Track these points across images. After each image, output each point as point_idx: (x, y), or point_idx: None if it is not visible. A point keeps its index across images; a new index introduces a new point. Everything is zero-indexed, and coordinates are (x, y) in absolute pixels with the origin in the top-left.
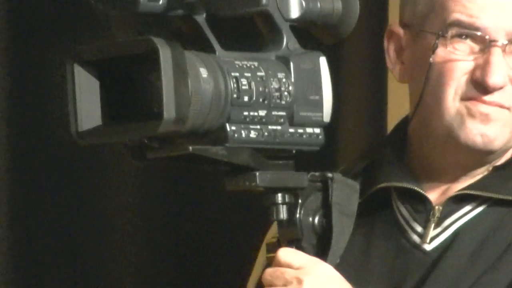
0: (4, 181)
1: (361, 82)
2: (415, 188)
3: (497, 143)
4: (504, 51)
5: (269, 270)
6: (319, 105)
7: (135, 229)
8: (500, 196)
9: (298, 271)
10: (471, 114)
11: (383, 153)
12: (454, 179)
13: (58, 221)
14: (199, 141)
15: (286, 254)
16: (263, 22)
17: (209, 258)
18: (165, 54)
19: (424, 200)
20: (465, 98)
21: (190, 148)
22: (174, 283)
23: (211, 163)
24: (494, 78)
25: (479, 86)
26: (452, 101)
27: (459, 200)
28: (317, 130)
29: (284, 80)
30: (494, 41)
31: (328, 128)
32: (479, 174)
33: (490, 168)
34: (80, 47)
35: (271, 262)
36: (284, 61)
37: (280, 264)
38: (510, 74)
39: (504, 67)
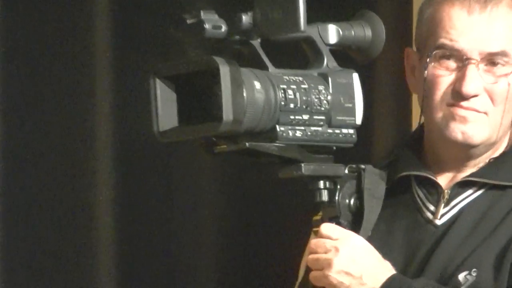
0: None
1: (390, 93)
2: (429, 175)
3: (476, 139)
4: (477, 67)
5: (313, 241)
6: (352, 111)
7: (204, 228)
8: (495, 182)
9: (336, 242)
10: (452, 117)
11: (405, 150)
12: (459, 168)
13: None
14: (255, 139)
15: (327, 228)
16: (308, 46)
17: (274, 250)
18: (224, 71)
19: (436, 185)
20: (449, 104)
21: (247, 144)
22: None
23: (265, 156)
24: (467, 88)
25: (458, 95)
26: (439, 107)
27: (463, 185)
28: (351, 131)
29: (323, 91)
30: (469, 59)
31: (362, 130)
32: (478, 164)
33: (487, 160)
34: (160, 65)
35: (315, 235)
36: (324, 77)
37: (322, 236)
38: (485, 85)
39: (476, 80)
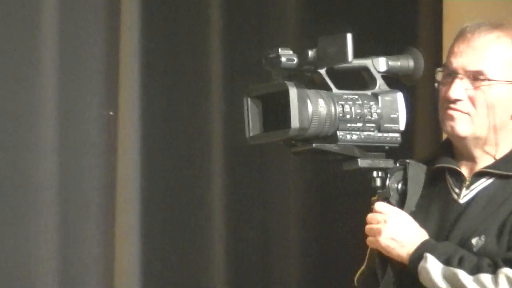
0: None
1: (427, 106)
2: (456, 167)
3: (461, 133)
4: (462, 80)
5: (369, 215)
6: (397, 120)
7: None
8: (502, 173)
9: (385, 215)
10: (446, 116)
11: (441, 149)
12: (476, 162)
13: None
14: (321, 141)
15: (379, 205)
16: (365, 72)
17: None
18: (292, 91)
19: (461, 175)
20: (444, 107)
21: (314, 144)
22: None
23: (330, 155)
24: (451, 93)
25: (448, 100)
26: (441, 110)
27: (480, 175)
28: (396, 135)
29: (374, 106)
30: (457, 74)
31: (406, 134)
32: (490, 159)
33: (497, 157)
34: (250, 87)
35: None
36: (375, 95)
37: (375, 211)
38: (468, 93)
39: (459, 88)
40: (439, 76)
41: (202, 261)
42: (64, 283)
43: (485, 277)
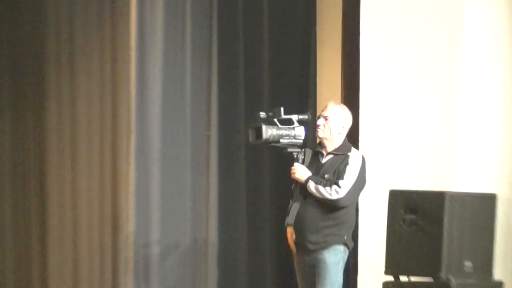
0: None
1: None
2: (321, 150)
3: (320, 137)
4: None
5: (292, 167)
6: (300, 135)
7: None
8: (336, 152)
9: (296, 167)
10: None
11: (317, 144)
12: (327, 148)
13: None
14: (275, 143)
15: (296, 164)
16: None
17: None
18: (264, 127)
19: (323, 153)
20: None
21: (271, 144)
22: None
23: (278, 148)
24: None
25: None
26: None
27: (328, 154)
28: (300, 141)
29: (292, 130)
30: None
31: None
32: (332, 147)
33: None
34: (251, 124)
35: None
36: (294, 127)
37: (294, 167)
38: (323, 122)
39: (319, 121)
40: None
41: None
42: None
43: (326, 188)
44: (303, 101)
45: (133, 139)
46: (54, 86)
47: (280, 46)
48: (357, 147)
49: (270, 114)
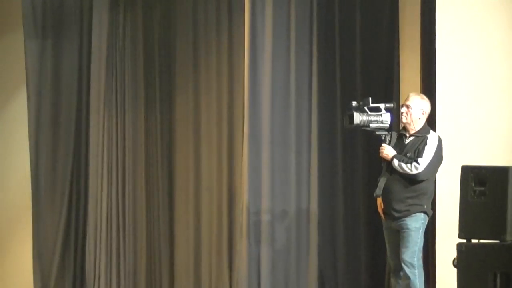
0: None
1: None
2: (405, 133)
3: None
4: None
5: (381, 147)
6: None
7: None
8: (417, 134)
9: (384, 147)
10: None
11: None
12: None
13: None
14: (365, 127)
15: (384, 145)
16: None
17: None
18: (355, 113)
19: (406, 135)
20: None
21: (362, 128)
22: None
23: (369, 131)
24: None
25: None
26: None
27: (410, 135)
28: (387, 126)
29: (379, 116)
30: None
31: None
32: (413, 131)
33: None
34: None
35: None
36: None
37: (383, 147)
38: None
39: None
40: None
41: None
42: None
43: (407, 164)
44: (389, 93)
45: (246, 125)
46: (180, 81)
47: (369, 47)
48: (434, 129)
49: (360, 103)
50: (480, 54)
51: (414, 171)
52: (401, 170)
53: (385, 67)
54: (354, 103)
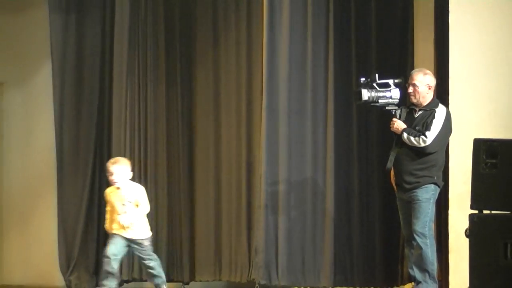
0: None
1: None
2: (414, 107)
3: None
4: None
5: (392, 122)
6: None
7: None
8: (425, 108)
9: (395, 120)
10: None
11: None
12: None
13: None
14: (374, 103)
15: (394, 119)
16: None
17: None
18: (363, 90)
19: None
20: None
21: (371, 104)
22: None
23: (378, 107)
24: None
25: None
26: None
27: (420, 109)
28: (396, 101)
29: (388, 92)
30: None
31: None
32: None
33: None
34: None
35: None
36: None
37: (393, 120)
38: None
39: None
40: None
41: None
42: None
43: (415, 138)
44: (403, 67)
45: (264, 98)
46: (200, 55)
47: (383, 20)
48: (447, 102)
49: (368, 79)
50: (493, 27)
51: (422, 144)
52: (410, 143)
53: (399, 41)
54: (363, 79)
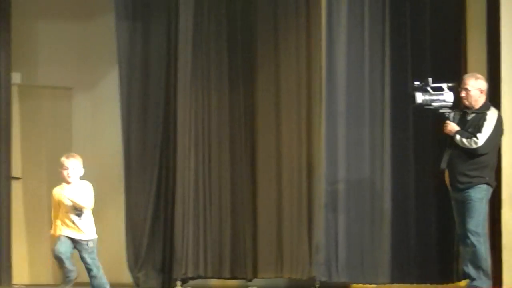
0: None
1: None
2: (467, 111)
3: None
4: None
5: (445, 125)
6: (449, 99)
7: None
8: (478, 111)
9: (448, 123)
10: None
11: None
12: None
13: None
14: (427, 107)
15: (447, 122)
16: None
17: None
18: (417, 93)
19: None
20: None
21: (425, 107)
22: None
23: (432, 109)
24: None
25: None
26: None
27: (472, 112)
28: (450, 104)
29: (441, 95)
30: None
31: None
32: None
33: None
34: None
35: None
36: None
37: (447, 123)
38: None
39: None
40: None
41: None
42: None
43: (467, 139)
44: (456, 71)
45: (323, 101)
46: (261, 61)
47: (437, 27)
48: (499, 104)
49: (422, 83)
50: None
51: (474, 146)
52: (462, 145)
53: (452, 44)
54: (417, 83)
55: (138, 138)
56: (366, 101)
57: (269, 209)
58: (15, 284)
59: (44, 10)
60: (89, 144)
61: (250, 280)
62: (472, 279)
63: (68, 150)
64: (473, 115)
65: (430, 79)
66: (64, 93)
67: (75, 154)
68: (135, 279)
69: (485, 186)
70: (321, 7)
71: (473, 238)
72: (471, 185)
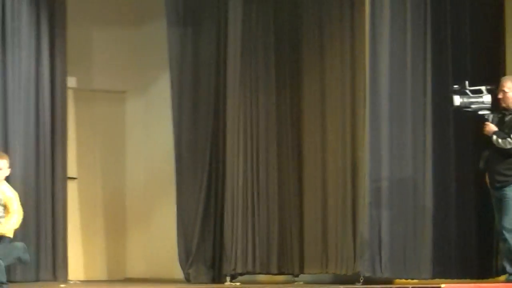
0: None
1: None
2: (505, 112)
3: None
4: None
5: (485, 126)
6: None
7: None
8: None
9: (487, 125)
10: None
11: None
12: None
13: None
14: (466, 109)
15: (487, 124)
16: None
17: None
18: (455, 96)
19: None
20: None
21: (465, 109)
22: None
23: (471, 112)
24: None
25: None
26: None
27: (510, 113)
28: (488, 106)
29: (480, 98)
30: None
31: None
32: None
33: None
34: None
35: None
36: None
37: (487, 125)
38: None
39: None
40: None
41: None
42: None
43: (503, 140)
44: (495, 73)
45: (367, 103)
46: (307, 65)
47: (476, 35)
48: None
49: (460, 86)
50: None
51: (508, 146)
52: (498, 145)
53: (491, 51)
54: (456, 86)
55: (188, 141)
56: (408, 102)
57: (315, 207)
58: (71, 280)
59: (98, 17)
60: (142, 146)
61: (296, 276)
62: (510, 274)
63: (121, 152)
64: (510, 116)
65: (466, 82)
66: (117, 96)
67: (3, 154)
68: (186, 275)
69: None
70: (365, 12)
71: (507, 235)
72: (507, 184)
